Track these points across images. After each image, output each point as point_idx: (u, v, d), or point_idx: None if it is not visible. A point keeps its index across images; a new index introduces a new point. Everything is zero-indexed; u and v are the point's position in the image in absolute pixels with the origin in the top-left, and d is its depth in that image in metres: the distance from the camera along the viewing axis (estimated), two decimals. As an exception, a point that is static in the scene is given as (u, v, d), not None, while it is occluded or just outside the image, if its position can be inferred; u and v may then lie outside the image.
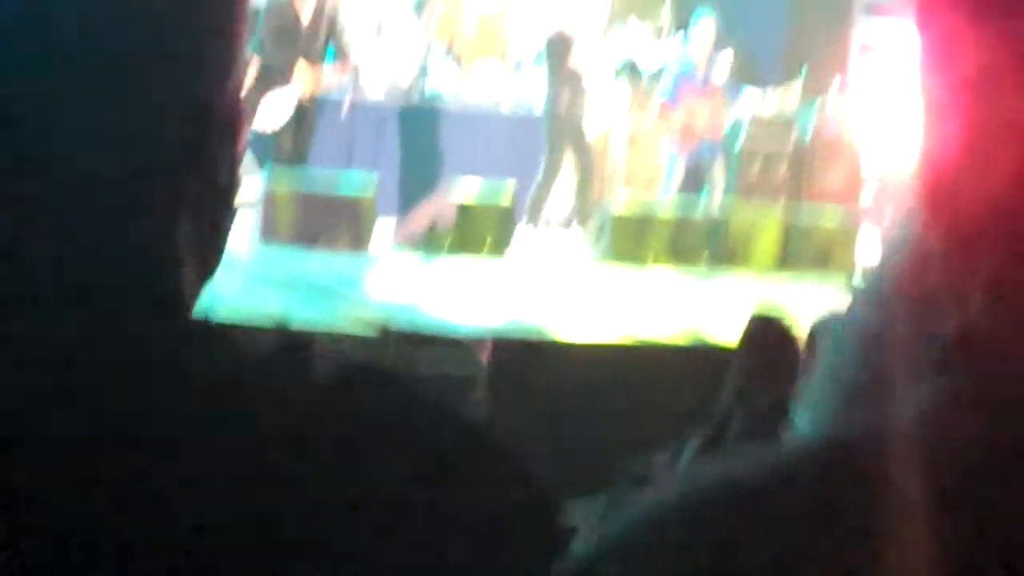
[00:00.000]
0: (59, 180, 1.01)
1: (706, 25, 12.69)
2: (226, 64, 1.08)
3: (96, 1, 1.02)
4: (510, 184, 11.76)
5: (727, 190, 12.86)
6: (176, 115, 1.04)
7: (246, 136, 1.13)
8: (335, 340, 5.83)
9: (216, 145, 1.07)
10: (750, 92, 13.27)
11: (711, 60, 12.76)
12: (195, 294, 1.07)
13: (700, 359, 5.49)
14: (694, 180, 12.80)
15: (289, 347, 1.05)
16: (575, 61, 12.18)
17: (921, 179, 0.88)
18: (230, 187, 1.10)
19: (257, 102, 11.09)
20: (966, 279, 0.80)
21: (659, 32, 14.46)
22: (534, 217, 12.55)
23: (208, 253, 1.08)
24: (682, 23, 13.70)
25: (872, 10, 15.02)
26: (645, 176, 13.52)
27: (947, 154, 0.87)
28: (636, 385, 5.68)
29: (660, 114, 12.90)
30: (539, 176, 12.49)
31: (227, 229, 1.11)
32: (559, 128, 12.38)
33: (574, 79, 12.25)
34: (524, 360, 5.95)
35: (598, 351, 6.61)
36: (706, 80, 12.73)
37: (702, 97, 12.67)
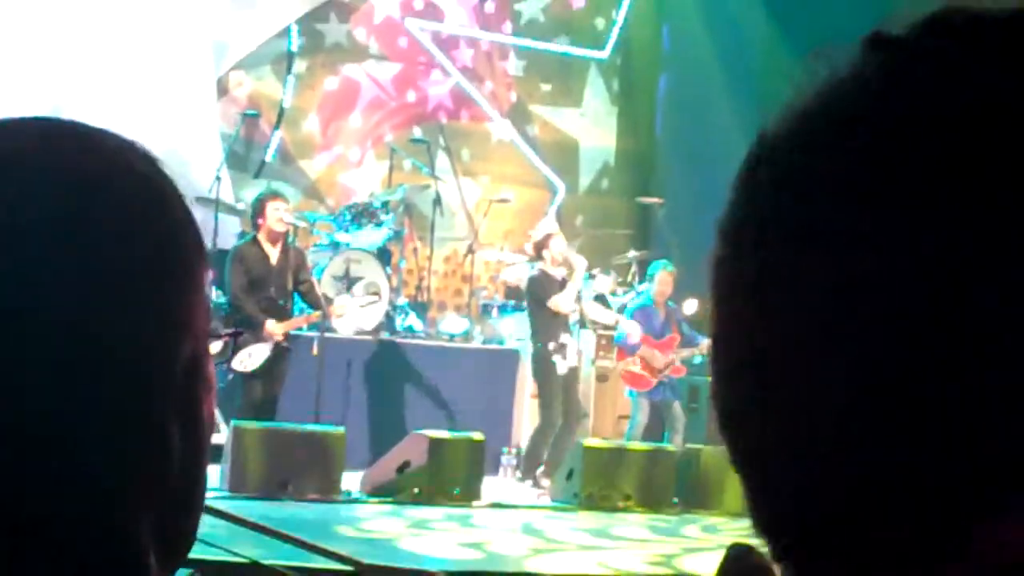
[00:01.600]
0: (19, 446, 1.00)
1: (666, 274, 13.01)
2: (191, 324, 1.07)
3: (51, 263, 1.01)
4: (479, 431, 11.79)
5: (693, 431, 12.95)
6: (128, 384, 1.02)
7: (213, 400, 1.10)
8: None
9: (191, 398, 1.07)
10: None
11: (671, 308, 13.04)
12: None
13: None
14: (659, 422, 12.94)
15: None
16: (547, 306, 12.34)
17: None
18: (198, 480, 1.09)
19: (229, 355, 11.17)
20: None
21: (625, 281, 14.72)
22: (509, 462, 12.59)
23: (164, 545, 1.05)
24: (644, 272, 13.96)
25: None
26: (612, 418, 13.63)
27: None
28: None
29: (620, 359, 13.12)
30: (519, 423, 12.58)
31: (194, 526, 1.09)
32: (537, 376, 12.51)
33: (547, 323, 12.40)
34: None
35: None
36: (667, 325, 12.99)
37: (661, 343, 12.92)
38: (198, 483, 1.08)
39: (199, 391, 1.08)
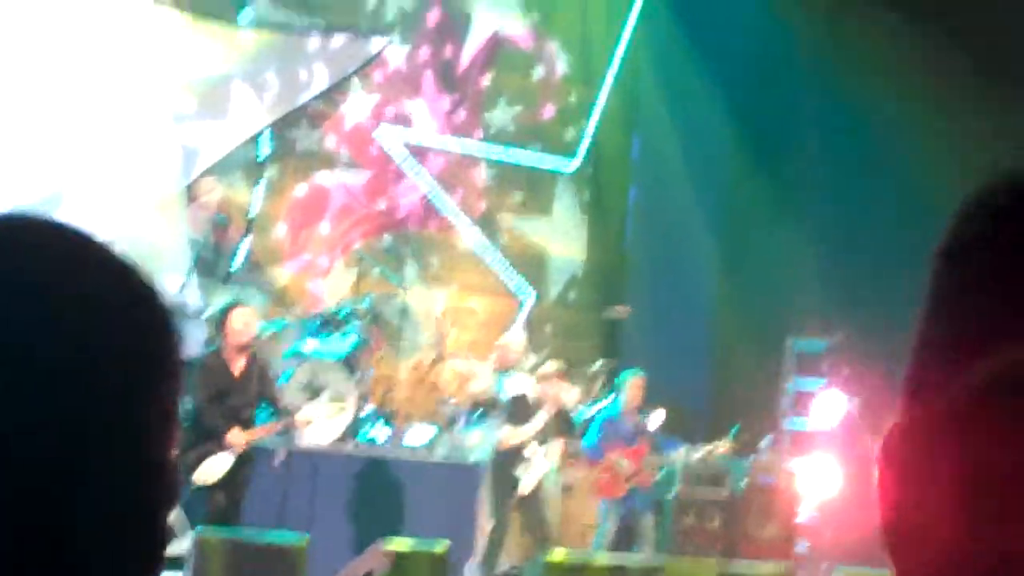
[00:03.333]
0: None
1: (635, 382, 13.01)
2: (161, 424, 1.07)
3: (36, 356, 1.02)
4: (443, 540, 11.69)
5: (661, 540, 12.90)
6: (106, 480, 1.03)
7: (177, 497, 1.14)
8: None
9: (151, 503, 1.07)
10: (681, 447, 13.47)
11: (640, 415, 13.02)
12: None
13: None
14: (626, 532, 12.88)
15: None
16: (513, 416, 12.32)
17: (886, 536, 0.92)
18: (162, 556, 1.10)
19: (191, 462, 11.07)
20: None
21: (590, 389, 14.71)
22: (472, 572, 12.47)
23: None
24: (613, 382, 13.95)
25: (803, 367, 15.34)
26: (579, 529, 13.54)
27: (901, 507, 0.91)
28: None
29: (590, 465, 13.09)
30: (483, 531, 12.48)
31: None
32: (501, 485, 12.44)
33: (513, 432, 12.37)
34: None
35: None
36: (635, 435, 12.96)
37: (630, 451, 12.89)
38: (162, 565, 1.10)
39: (174, 487, 1.09)
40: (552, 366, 13.10)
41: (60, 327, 1.03)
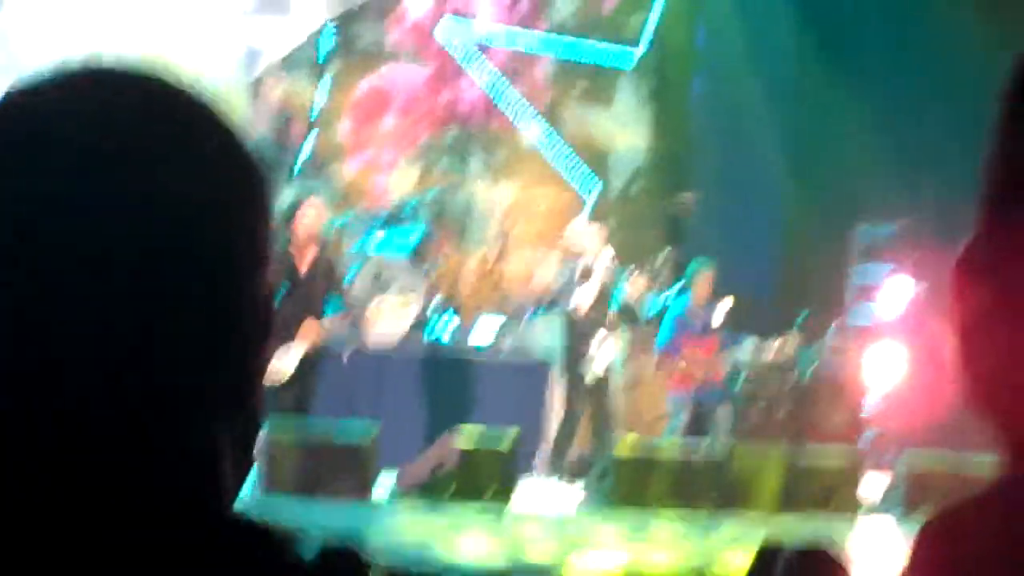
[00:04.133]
0: (89, 379, 1.06)
1: (704, 275, 12.96)
2: (257, 266, 1.14)
3: (134, 211, 1.08)
4: (512, 431, 11.79)
5: (731, 431, 12.95)
6: (204, 315, 1.09)
7: (271, 347, 1.18)
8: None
9: (243, 348, 1.14)
10: (749, 338, 13.47)
11: (709, 308, 12.97)
12: (232, 493, 1.13)
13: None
14: (698, 424, 12.91)
15: (336, 555, 1.11)
16: (579, 309, 12.33)
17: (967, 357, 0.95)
18: (256, 393, 1.17)
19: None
20: None
21: (657, 280, 14.69)
22: (542, 462, 12.59)
23: (240, 455, 1.14)
24: (679, 272, 13.92)
25: (870, 254, 15.24)
26: (648, 420, 13.60)
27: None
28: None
29: (660, 361, 13.10)
30: (552, 424, 12.59)
31: (255, 431, 1.18)
32: (569, 377, 12.50)
33: (579, 327, 12.39)
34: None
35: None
36: (705, 328, 12.93)
37: (701, 344, 12.87)
38: (262, 402, 1.17)
39: (270, 323, 1.16)
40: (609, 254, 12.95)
41: (161, 172, 1.09)
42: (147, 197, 1.08)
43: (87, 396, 1.06)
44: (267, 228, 1.15)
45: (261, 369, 1.16)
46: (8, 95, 1.12)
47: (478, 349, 13.94)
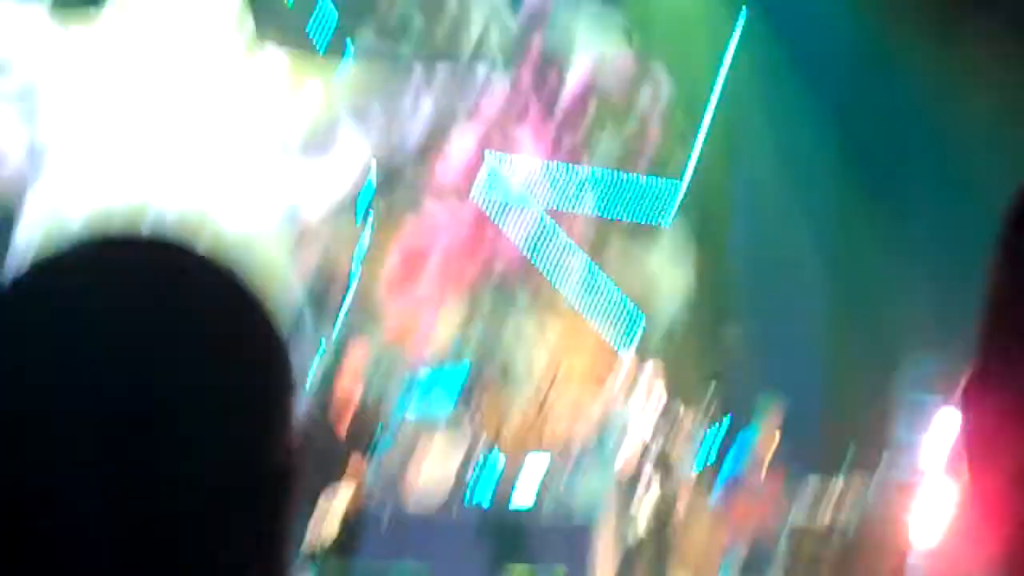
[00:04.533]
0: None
1: (774, 410, 12.87)
2: (279, 433, 1.16)
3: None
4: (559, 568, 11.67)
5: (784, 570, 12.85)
6: (228, 482, 1.12)
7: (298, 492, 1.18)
8: None
9: (272, 506, 1.16)
10: (808, 477, 13.38)
11: (768, 460, 12.88)
12: None
13: None
14: (754, 560, 12.80)
15: None
16: (626, 468, 12.24)
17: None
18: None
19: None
20: None
21: (706, 417, 14.58)
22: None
23: None
24: (727, 408, 13.82)
25: (919, 386, 15.13)
26: (706, 554, 13.44)
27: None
28: None
29: (715, 513, 12.98)
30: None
31: None
32: (619, 517, 12.40)
33: (624, 486, 12.30)
34: None
35: None
36: (763, 480, 12.83)
37: (758, 497, 12.75)
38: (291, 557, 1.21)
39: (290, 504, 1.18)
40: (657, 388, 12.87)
41: (193, 351, 1.13)
42: (159, 398, 1.10)
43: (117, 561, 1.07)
44: (288, 397, 1.18)
45: (288, 524, 1.17)
46: (22, 278, 1.15)
47: (520, 510, 13.54)
